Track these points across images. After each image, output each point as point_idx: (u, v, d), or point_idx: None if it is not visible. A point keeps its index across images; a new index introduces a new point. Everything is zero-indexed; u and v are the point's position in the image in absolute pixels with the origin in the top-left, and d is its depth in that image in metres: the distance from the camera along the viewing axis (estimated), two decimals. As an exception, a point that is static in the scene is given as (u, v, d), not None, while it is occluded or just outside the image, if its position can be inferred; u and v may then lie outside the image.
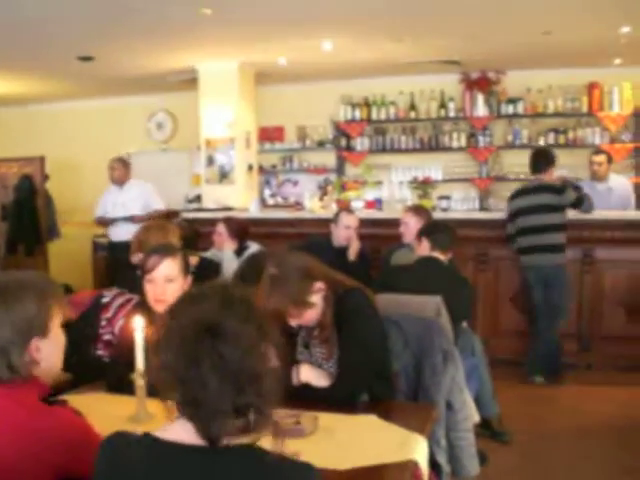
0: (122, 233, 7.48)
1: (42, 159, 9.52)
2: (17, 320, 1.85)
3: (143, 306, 3.01)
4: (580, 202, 6.06)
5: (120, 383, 2.66)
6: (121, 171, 7.62)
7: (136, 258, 4.27)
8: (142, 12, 6.32)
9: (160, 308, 2.88)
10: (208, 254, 5.61)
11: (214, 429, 1.42)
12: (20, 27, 6.66)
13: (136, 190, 7.64)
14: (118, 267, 7.33)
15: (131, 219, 7.42)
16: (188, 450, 1.43)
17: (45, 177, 9.67)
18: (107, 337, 3.58)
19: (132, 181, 7.72)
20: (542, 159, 6.21)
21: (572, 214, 6.10)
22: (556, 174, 6.28)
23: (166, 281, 2.99)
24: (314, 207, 7.63)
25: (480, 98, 9.22)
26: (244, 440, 1.46)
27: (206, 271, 4.55)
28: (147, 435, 1.49)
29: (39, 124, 11.08)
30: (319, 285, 2.76)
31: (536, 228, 6.01)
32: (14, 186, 9.44)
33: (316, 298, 2.76)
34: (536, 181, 6.17)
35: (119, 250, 7.40)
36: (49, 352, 1.93)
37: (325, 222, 6.15)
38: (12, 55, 7.89)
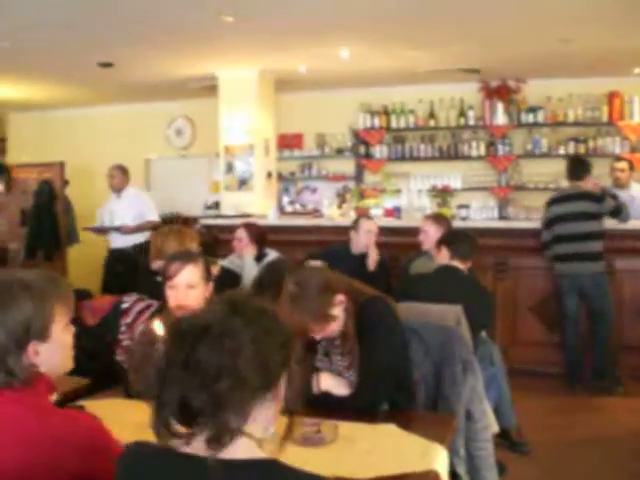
0: (119, 241, 7.56)
1: (62, 165, 9.56)
2: (12, 323, 1.75)
3: (163, 312, 3.01)
4: (619, 211, 6.02)
5: (139, 389, 2.65)
6: (119, 178, 7.62)
7: (156, 264, 4.27)
8: (163, 19, 6.34)
9: (182, 314, 2.87)
10: (226, 262, 5.60)
11: (161, 421, 1.40)
12: (40, 33, 6.71)
13: (131, 199, 7.63)
14: (117, 273, 7.45)
15: (118, 229, 7.46)
16: (202, 463, 1.39)
17: (65, 183, 9.72)
18: (127, 343, 3.57)
19: (129, 189, 7.70)
20: (580, 166, 6.18)
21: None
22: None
23: (188, 287, 3.00)
24: (333, 215, 7.63)
25: (500, 107, 9.18)
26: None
27: (226, 280, 4.55)
28: (166, 447, 1.46)
29: (59, 130, 11.15)
30: (339, 298, 2.75)
31: (574, 236, 5.97)
32: (34, 191, 9.48)
33: (337, 311, 2.75)
34: (574, 188, 6.13)
35: (117, 256, 7.51)
36: (49, 356, 1.81)
37: (344, 230, 6.15)
38: (32, 61, 7.95)
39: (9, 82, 9.12)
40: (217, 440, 1.39)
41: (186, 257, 3.09)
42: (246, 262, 5.49)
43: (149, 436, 1.55)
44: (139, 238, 7.49)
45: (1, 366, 1.74)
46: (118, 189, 7.61)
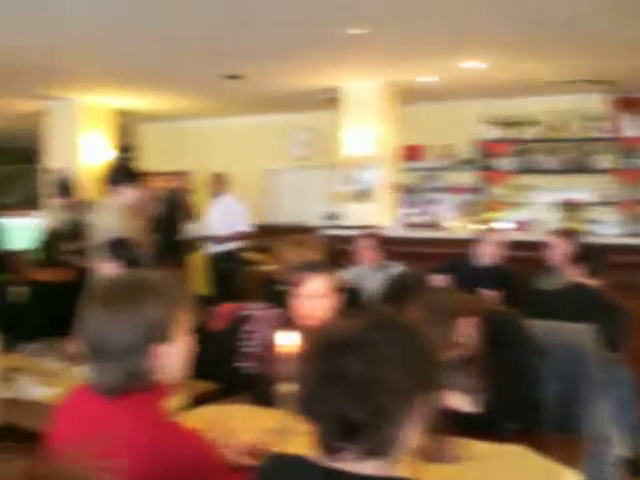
0: (213, 247, 8.00)
1: (188, 174, 9.84)
2: (141, 323, 1.72)
3: (288, 320, 3.02)
4: None
5: (266, 395, 2.67)
6: (215, 186, 7.96)
7: (279, 273, 4.32)
8: (292, 32, 6.40)
9: (309, 323, 2.87)
10: (345, 273, 5.58)
11: (329, 439, 1.38)
12: (170, 46, 6.93)
13: (224, 206, 7.92)
14: (219, 278, 7.72)
15: (212, 239, 7.74)
16: (339, 477, 1.37)
17: (191, 191, 9.99)
18: (249, 349, 3.61)
19: (225, 197, 7.99)
20: None
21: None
22: None
23: (315, 297, 3.00)
24: (455, 227, 7.53)
25: (630, 118, 8.85)
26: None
27: (349, 291, 4.55)
28: (303, 458, 1.45)
29: (186, 140, 11.50)
30: (467, 321, 2.69)
31: None
32: (162, 199, 9.78)
33: (465, 335, 2.69)
34: None
35: (215, 260, 7.76)
36: (170, 361, 1.78)
37: (466, 242, 6.03)
38: (162, 73, 8.23)
39: (138, 93, 9.47)
40: (371, 453, 1.37)
41: (314, 267, 3.10)
42: (368, 271, 5.50)
43: (275, 442, 1.55)
44: (229, 246, 7.80)
45: (125, 366, 1.72)
46: (214, 196, 7.92)
